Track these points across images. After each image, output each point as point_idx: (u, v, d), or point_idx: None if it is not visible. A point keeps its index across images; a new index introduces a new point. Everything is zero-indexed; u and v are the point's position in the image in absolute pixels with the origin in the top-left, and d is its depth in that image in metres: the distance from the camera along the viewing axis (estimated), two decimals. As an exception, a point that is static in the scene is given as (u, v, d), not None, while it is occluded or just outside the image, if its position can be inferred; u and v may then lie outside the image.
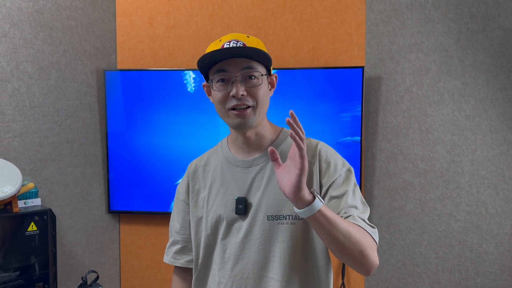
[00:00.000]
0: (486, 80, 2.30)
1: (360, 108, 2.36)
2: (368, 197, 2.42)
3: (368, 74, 2.44)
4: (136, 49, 2.59)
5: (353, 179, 1.17)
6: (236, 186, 1.20)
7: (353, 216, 1.09)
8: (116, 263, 2.66)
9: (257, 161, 1.20)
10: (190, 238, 1.30)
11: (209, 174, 1.27)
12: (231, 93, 1.11)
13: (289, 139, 1.21)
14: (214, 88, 1.14)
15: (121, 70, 2.52)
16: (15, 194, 2.04)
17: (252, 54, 1.10)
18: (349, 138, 2.38)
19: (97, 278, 2.22)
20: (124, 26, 2.58)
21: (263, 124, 1.20)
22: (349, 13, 2.46)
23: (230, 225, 1.20)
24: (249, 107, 1.12)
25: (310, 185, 1.15)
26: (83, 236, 2.51)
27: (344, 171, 1.17)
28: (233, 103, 1.12)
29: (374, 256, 1.04)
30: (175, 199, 1.35)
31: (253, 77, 1.12)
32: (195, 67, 2.55)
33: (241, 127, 1.15)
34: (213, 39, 2.55)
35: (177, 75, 2.47)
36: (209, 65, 1.13)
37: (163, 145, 2.50)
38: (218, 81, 1.13)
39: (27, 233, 2.05)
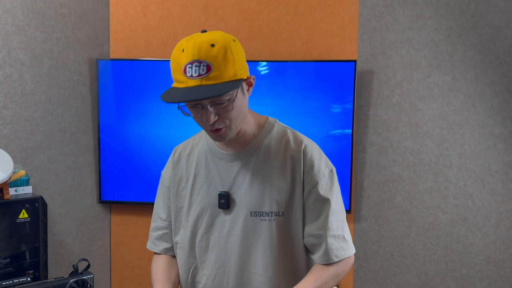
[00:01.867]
0: (475, 75, 2.35)
1: (352, 102, 2.39)
2: (358, 190, 2.46)
3: (360, 68, 2.48)
4: (129, 39, 2.58)
5: (336, 181, 1.20)
6: (219, 180, 1.20)
7: (326, 250, 1.16)
8: (107, 253, 2.65)
9: (241, 155, 1.19)
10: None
11: (193, 164, 1.25)
12: (203, 120, 1.08)
13: (274, 132, 1.21)
14: (189, 110, 1.10)
15: (114, 59, 2.51)
16: (6, 181, 2.02)
17: (213, 94, 1.01)
18: (339, 130, 2.41)
19: (88, 266, 2.21)
20: (117, 16, 2.58)
21: (244, 122, 1.17)
22: (342, 8, 2.49)
23: (213, 219, 1.21)
24: (224, 127, 1.10)
25: (291, 181, 1.16)
26: (74, 225, 2.50)
27: (327, 172, 1.18)
28: (208, 126, 1.10)
29: (345, 272, 1.19)
30: (160, 184, 1.34)
31: (222, 103, 1.06)
32: (189, 58, 2.55)
33: (220, 141, 1.17)
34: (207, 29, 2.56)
35: (170, 65, 2.47)
36: (178, 102, 1.07)
37: (155, 135, 2.50)
38: (190, 107, 1.09)
39: (18, 221, 2.04)
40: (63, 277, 1.52)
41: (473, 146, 2.37)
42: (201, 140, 1.28)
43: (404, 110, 2.45)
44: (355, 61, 2.38)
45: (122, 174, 2.54)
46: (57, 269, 2.41)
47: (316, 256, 1.16)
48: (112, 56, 2.59)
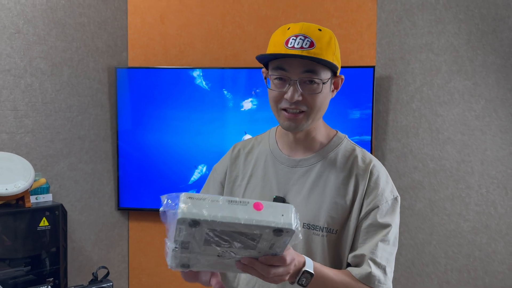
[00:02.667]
0: (496, 80, 2.31)
1: (370, 108, 2.37)
2: (377, 196, 2.42)
3: (378, 73, 2.45)
4: (147, 47, 2.60)
5: (397, 211, 1.11)
6: (276, 184, 1.13)
7: (369, 261, 1.05)
8: (125, 259, 2.66)
9: (304, 163, 1.12)
10: None
11: (251, 163, 1.19)
12: (285, 96, 1.03)
13: (342, 146, 1.14)
14: (270, 84, 1.07)
15: (132, 67, 2.53)
16: (28, 189, 2.05)
17: (313, 62, 1.01)
18: (357, 137, 2.39)
19: (108, 274, 2.22)
20: (135, 24, 2.60)
21: (316, 126, 1.12)
22: (360, 13, 2.47)
23: None
24: (302, 112, 1.04)
25: (352, 199, 1.08)
26: (92, 232, 2.51)
27: (390, 199, 1.09)
28: (286, 105, 1.04)
29: None
30: (210, 178, 1.27)
31: (313, 83, 1.02)
32: (205, 65, 2.56)
33: (290, 130, 1.09)
34: (224, 38, 2.57)
35: (187, 73, 2.48)
36: (270, 58, 1.05)
37: (173, 142, 2.51)
38: (276, 78, 1.04)
39: (38, 228, 2.06)
40: (82, 284, 1.53)
41: (495, 152, 2.32)
42: (263, 140, 1.22)
43: (424, 116, 2.41)
44: (373, 66, 2.36)
45: (140, 181, 2.55)
46: (75, 275, 2.42)
47: (353, 268, 1.09)
48: (130, 64, 2.60)
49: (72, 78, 2.39)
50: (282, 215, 0.76)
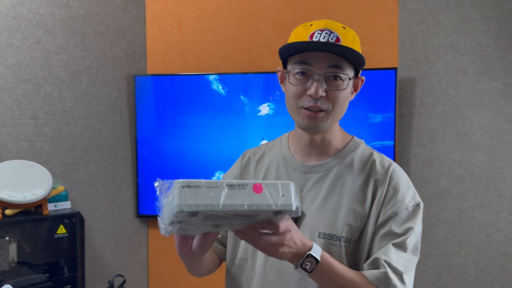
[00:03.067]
0: (529, 80, 2.16)
1: (393, 111, 2.27)
2: (402, 204, 2.31)
3: (401, 75, 2.35)
4: (166, 54, 2.60)
5: (419, 219, 1.02)
6: None
7: (384, 262, 0.95)
8: (144, 267, 2.66)
9: (318, 168, 1.06)
10: (226, 234, 1.18)
11: (262, 170, 1.13)
12: (309, 92, 0.97)
13: (359, 151, 1.07)
14: (291, 79, 1.00)
15: (150, 75, 2.53)
16: (46, 197, 2.07)
17: (344, 52, 0.95)
18: (379, 142, 2.29)
19: (124, 282, 2.21)
20: (153, 32, 2.61)
21: (333, 130, 1.06)
22: (381, 13, 2.38)
23: None
24: (322, 110, 0.98)
25: (370, 206, 1.00)
26: (111, 239, 2.52)
27: (411, 205, 1.00)
28: (308, 103, 0.98)
29: None
30: None
31: (338, 79, 0.97)
32: (223, 71, 2.54)
33: (309, 130, 1.02)
34: (241, 43, 2.54)
35: (205, 79, 2.46)
36: (292, 52, 0.99)
37: (192, 149, 2.49)
38: (298, 73, 0.98)
39: (56, 236, 2.08)
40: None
41: (529, 157, 2.17)
42: (275, 147, 1.16)
43: (451, 119, 2.29)
44: (396, 68, 2.26)
45: (159, 188, 2.54)
46: (94, 283, 2.43)
47: (367, 270, 0.99)
48: (149, 71, 2.61)
49: (91, 87, 2.42)
50: (283, 195, 0.74)
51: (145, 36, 2.60)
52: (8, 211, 1.98)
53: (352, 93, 1.04)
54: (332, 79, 0.97)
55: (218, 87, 2.46)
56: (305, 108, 0.99)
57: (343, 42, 0.96)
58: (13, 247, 1.98)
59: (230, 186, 0.72)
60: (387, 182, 1.01)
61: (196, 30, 2.58)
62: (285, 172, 1.09)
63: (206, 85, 2.46)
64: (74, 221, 2.12)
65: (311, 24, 0.99)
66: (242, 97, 2.43)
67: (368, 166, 1.04)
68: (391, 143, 2.27)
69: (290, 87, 1.00)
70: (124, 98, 2.55)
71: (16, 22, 2.17)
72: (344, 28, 0.99)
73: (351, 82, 1.00)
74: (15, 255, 1.99)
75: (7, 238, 1.98)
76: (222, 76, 2.45)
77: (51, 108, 2.29)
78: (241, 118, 2.44)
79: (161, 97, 2.53)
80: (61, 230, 2.09)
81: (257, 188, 0.73)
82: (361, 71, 1.04)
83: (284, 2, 2.49)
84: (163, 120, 2.52)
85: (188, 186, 0.71)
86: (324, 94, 0.96)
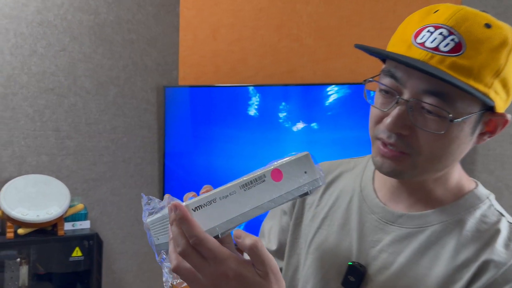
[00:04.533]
0: None
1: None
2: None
3: (463, 89, 2.04)
4: (199, 64, 2.42)
5: None
6: (358, 242, 0.75)
7: None
8: (169, 294, 2.44)
9: (406, 221, 0.72)
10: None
11: (330, 198, 0.82)
12: (385, 119, 0.66)
13: (477, 213, 0.70)
14: (376, 94, 0.70)
15: (182, 86, 2.36)
16: (62, 216, 1.91)
17: (449, 79, 0.60)
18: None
19: (143, 313, 2.01)
20: (187, 41, 2.44)
21: (437, 178, 0.71)
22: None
23: None
24: (405, 153, 0.66)
25: None
26: (134, 263, 2.33)
27: None
28: (382, 134, 0.67)
29: None
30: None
31: (432, 114, 0.63)
32: (259, 82, 2.32)
33: (382, 172, 0.70)
34: (280, 52, 2.32)
35: (239, 91, 2.25)
36: (376, 54, 0.70)
37: (222, 165, 2.28)
38: (383, 90, 0.67)
39: (71, 259, 1.91)
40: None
41: None
42: (356, 168, 0.84)
43: (524, 141, 1.94)
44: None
45: (187, 209, 2.34)
46: (114, 310, 2.25)
47: None
48: (181, 83, 2.44)
49: (118, 98, 2.27)
50: (305, 172, 0.61)
51: (178, 45, 2.44)
52: (20, 231, 1.84)
53: (481, 134, 0.68)
54: (426, 112, 0.63)
55: (253, 99, 2.24)
56: (380, 139, 0.68)
57: (467, 53, 0.60)
58: (24, 270, 1.83)
59: (246, 185, 0.60)
60: (502, 270, 0.63)
61: (231, 39, 2.38)
62: (358, 212, 0.77)
63: (241, 97, 2.25)
64: (92, 243, 1.94)
65: (437, 10, 0.65)
66: (279, 111, 2.20)
67: (485, 237, 0.67)
68: (450, 167, 1.96)
69: (372, 106, 0.70)
70: (153, 111, 2.38)
71: (42, 29, 2.06)
72: (489, 26, 0.62)
73: (465, 124, 0.63)
74: (26, 279, 1.83)
75: (18, 259, 1.83)
76: (259, 88, 2.23)
77: (74, 119, 2.15)
78: (277, 133, 2.20)
79: (192, 109, 2.34)
80: (77, 253, 1.92)
81: (276, 175, 0.61)
82: (507, 102, 0.67)
83: (328, 7, 2.25)
84: (194, 134, 2.33)
85: (195, 209, 0.57)
86: (405, 132, 0.64)
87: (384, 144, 0.67)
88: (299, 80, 2.24)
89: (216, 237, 0.56)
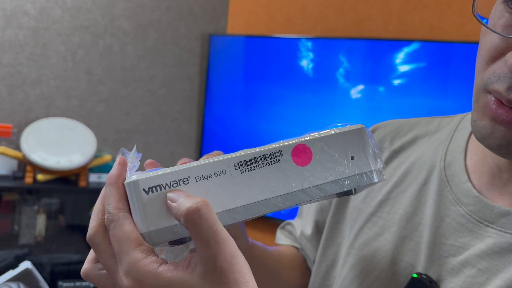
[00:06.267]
0: None
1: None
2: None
3: None
4: (250, 12, 2.15)
5: None
6: (429, 245, 0.51)
7: None
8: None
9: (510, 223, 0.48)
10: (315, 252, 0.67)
11: (395, 173, 0.57)
12: (508, 55, 0.40)
13: None
14: (492, 16, 0.45)
15: (230, 35, 2.10)
16: (86, 166, 1.74)
17: None
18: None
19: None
20: (239, -16, 2.16)
21: None
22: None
23: None
24: None
25: None
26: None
27: None
28: (500, 81, 0.42)
29: None
30: None
31: None
32: (318, 34, 2.01)
33: (483, 143, 0.46)
34: (345, 2, 1.98)
35: (295, 44, 1.95)
36: None
37: (268, 129, 2.02)
38: (507, 11, 0.43)
39: (90, 213, 1.75)
40: None
41: None
42: (440, 133, 0.58)
43: None
44: None
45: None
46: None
47: None
48: (229, 31, 2.18)
49: (158, 44, 2.05)
50: (352, 157, 0.41)
51: (229, -11, 2.17)
52: (40, 176, 1.69)
53: None
54: None
55: (310, 54, 1.93)
56: (493, 91, 0.43)
57: None
58: (41, 219, 1.69)
59: (246, 164, 0.39)
60: None
61: (290, -17, 2.07)
62: (435, 200, 0.52)
63: (296, 51, 1.96)
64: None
65: None
66: (340, 70, 1.88)
67: None
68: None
69: (483, 36, 0.45)
70: (195, 62, 2.15)
71: (80, -41, 1.87)
72: None
73: None
74: (42, 229, 1.69)
75: (36, 207, 1.68)
76: (317, 41, 1.91)
77: (109, 63, 1.96)
78: (334, 96, 1.89)
79: (239, 62, 2.09)
80: (98, 207, 1.76)
81: (300, 154, 0.40)
82: None
83: None
84: (239, 90, 2.08)
85: (156, 189, 0.35)
86: None
87: (499, 102, 0.41)
88: (366, 33, 1.90)
89: (177, 243, 0.36)
